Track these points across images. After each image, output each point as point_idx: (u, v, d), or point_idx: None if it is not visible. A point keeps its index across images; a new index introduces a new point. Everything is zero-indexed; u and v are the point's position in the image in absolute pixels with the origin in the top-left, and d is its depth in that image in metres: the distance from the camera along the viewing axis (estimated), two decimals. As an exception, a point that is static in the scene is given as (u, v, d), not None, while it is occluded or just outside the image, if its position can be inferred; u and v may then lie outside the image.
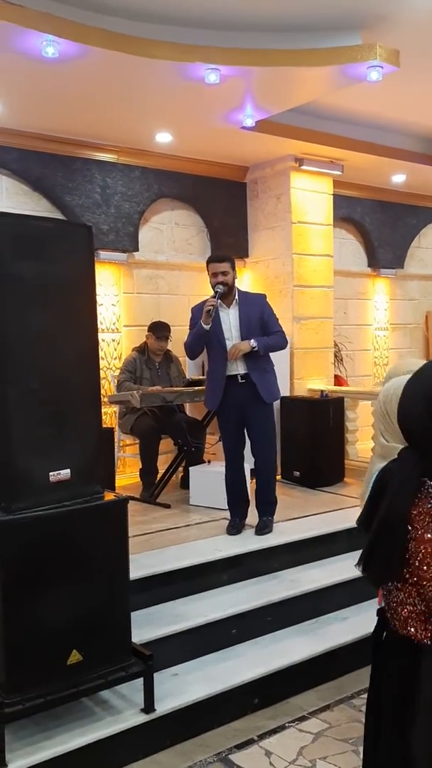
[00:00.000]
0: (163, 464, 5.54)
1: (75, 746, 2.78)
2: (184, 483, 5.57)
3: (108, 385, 5.79)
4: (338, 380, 7.02)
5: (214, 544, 4.15)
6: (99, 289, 5.61)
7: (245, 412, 4.38)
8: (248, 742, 3.11)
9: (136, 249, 6.10)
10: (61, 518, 2.75)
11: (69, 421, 2.84)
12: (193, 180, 6.39)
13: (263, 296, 4.67)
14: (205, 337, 4.32)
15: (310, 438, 5.78)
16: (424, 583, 1.59)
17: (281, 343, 4.45)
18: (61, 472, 2.80)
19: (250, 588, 3.95)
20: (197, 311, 4.42)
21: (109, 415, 5.87)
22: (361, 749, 3.00)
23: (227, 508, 4.59)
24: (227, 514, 4.82)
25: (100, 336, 5.50)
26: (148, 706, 3.01)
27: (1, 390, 2.69)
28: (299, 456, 5.85)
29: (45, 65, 4.06)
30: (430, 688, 1.65)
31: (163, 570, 3.77)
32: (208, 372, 4.52)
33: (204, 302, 4.38)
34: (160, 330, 5.58)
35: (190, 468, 5.26)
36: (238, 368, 4.33)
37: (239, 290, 4.52)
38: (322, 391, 6.12)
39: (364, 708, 3.33)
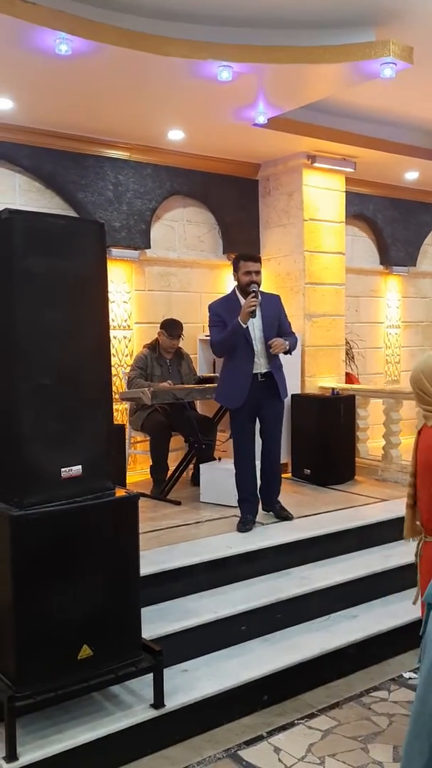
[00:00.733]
0: (173, 461, 5.55)
1: (85, 740, 2.80)
2: (195, 480, 5.58)
3: (119, 382, 5.81)
4: (349, 378, 7.00)
5: (224, 541, 4.16)
6: (111, 286, 5.64)
7: (260, 409, 4.44)
8: (257, 739, 3.12)
9: (148, 246, 6.11)
10: (72, 514, 2.77)
11: (80, 417, 2.85)
12: (205, 177, 6.39)
13: (279, 297, 4.73)
14: (240, 335, 4.32)
15: (321, 436, 5.76)
16: None
17: (296, 345, 4.62)
18: (73, 468, 2.82)
19: (261, 585, 3.96)
20: (221, 309, 4.45)
21: (120, 412, 5.88)
22: (369, 746, 3.03)
23: (237, 505, 4.59)
24: (238, 512, 4.82)
25: (112, 333, 5.51)
26: (158, 702, 3.03)
27: (13, 385, 2.71)
28: (310, 454, 5.84)
29: (58, 63, 4.07)
30: None
31: (173, 566, 3.78)
32: (228, 370, 4.47)
33: (222, 300, 4.53)
34: (173, 328, 5.58)
35: (201, 465, 5.27)
36: (262, 366, 4.40)
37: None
38: (333, 389, 6.10)
39: (373, 706, 3.38)
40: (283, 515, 4.61)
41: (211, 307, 4.54)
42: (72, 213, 5.71)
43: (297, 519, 4.61)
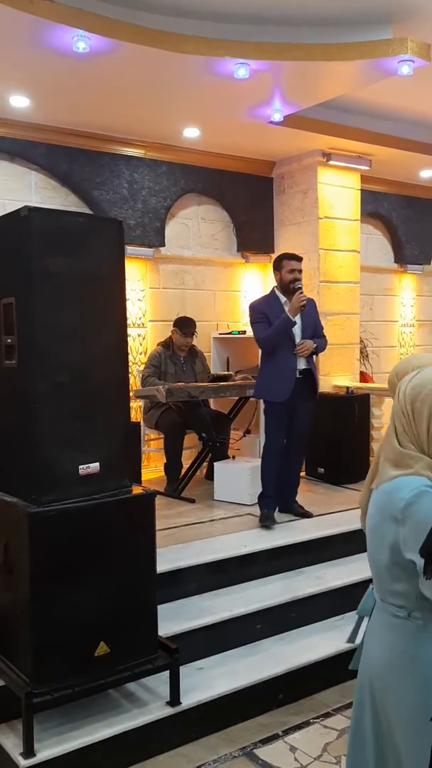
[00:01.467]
0: (187, 459, 5.55)
1: (102, 737, 2.81)
2: (209, 478, 5.58)
3: (133, 379, 5.82)
4: (363, 377, 6.97)
5: (239, 539, 4.16)
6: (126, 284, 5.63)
7: (295, 406, 4.53)
8: (273, 737, 3.12)
9: (163, 244, 6.11)
10: (90, 511, 2.78)
11: (98, 415, 2.86)
12: (219, 175, 6.38)
13: (314, 300, 4.88)
14: (289, 329, 4.47)
15: (335, 435, 5.75)
16: None
17: (325, 348, 4.77)
18: (91, 465, 2.82)
19: (276, 583, 3.95)
20: (264, 307, 4.61)
21: (135, 410, 5.89)
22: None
23: (257, 501, 4.60)
24: (252, 510, 4.84)
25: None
26: (174, 699, 3.03)
27: (31, 384, 2.72)
28: (324, 452, 5.83)
29: (75, 60, 4.07)
30: None
31: (188, 564, 3.79)
32: (272, 365, 4.55)
33: (263, 299, 4.74)
34: (185, 326, 5.58)
35: (215, 463, 5.27)
36: (301, 363, 4.55)
37: None
38: (347, 388, 6.08)
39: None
40: (302, 512, 4.64)
41: (254, 306, 4.70)
42: (87, 211, 5.72)
43: (311, 518, 4.60)
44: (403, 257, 7.72)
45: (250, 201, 6.61)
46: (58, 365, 2.73)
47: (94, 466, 2.84)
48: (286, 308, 4.53)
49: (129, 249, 5.82)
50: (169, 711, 3.01)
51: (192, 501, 5.09)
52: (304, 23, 4.20)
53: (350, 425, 5.82)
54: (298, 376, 4.53)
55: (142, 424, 5.70)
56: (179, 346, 5.61)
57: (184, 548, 4.02)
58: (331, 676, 3.54)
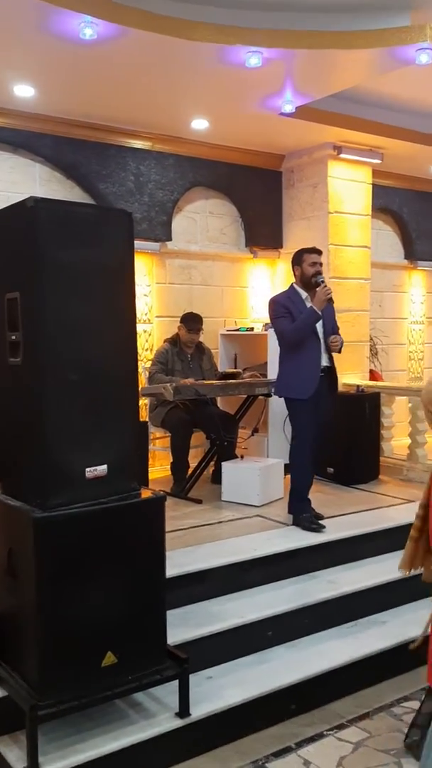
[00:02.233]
0: (192, 458, 5.44)
1: (110, 750, 2.69)
2: (215, 478, 5.47)
3: (139, 377, 5.70)
4: (373, 375, 6.85)
5: (249, 542, 4.04)
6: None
7: (318, 402, 4.40)
8: (285, 750, 3.00)
9: (169, 238, 5.98)
10: (97, 516, 2.66)
11: (107, 414, 2.73)
12: (227, 168, 6.25)
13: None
14: (315, 323, 4.35)
15: (345, 434, 5.62)
16: None
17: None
18: (98, 467, 2.70)
19: (287, 588, 3.84)
20: (287, 302, 4.47)
21: (141, 408, 5.77)
22: (403, 761, 2.90)
23: (290, 507, 4.47)
24: (260, 511, 4.74)
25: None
26: (183, 711, 2.91)
27: (37, 382, 2.60)
28: (333, 452, 5.68)
29: (81, 48, 3.96)
30: None
31: (197, 569, 3.67)
32: (296, 361, 4.39)
33: (284, 294, 4.57)
34: (191, 322, 5.47)
35: (223, 463, 5.15)
36: (324, 360, 4.44)
37: None
38: (358, 386, 5.96)
39: (405, 717, 3.24)
40: (314, 514, 4.47)
41: (276, 300, 4.53)
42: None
43: (323, 520, 4.47)
44: (413, 253, 7.60)
45: (259, 195, 6.48)
46: (65, 362, 2.60)
47: (102, 469, 2.72)
48: (308, 303, 4.41)
49: (135, 243, 5.66)
50: (179, 723, 2.89)
51: (199, 502, 4.98)
52: (318, 10, 4.08)
53: (361, 424, 5.69)
54: (320, 372, 4.40)
55: (148, 423, 5.58)
56: (186, 342, 5.49)
57: (192, 551, 3.91)
58: (345, 686, 3.43)
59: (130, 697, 2.96)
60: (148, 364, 5.60)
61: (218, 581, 3.72)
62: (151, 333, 6.06)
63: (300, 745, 3.04)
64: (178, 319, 5.60)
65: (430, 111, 5.87)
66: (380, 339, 7.27)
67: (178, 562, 3.67)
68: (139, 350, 5.94)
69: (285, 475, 5.09)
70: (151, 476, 5.64)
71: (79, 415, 2.66)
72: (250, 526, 4.41)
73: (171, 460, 5.42)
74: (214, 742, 3.00)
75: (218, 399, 5.68)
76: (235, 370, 5.80)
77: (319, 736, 3.11)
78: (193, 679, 3.07)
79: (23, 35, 3.86)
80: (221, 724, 3.02)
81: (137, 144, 5.74)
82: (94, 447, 2.70)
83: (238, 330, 6.23)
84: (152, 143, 5.79)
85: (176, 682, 2.92)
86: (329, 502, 4.96)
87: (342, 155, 6.08)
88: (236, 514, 4.67)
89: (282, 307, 4.43)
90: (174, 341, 5.52)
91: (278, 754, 2.98)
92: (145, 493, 2.88)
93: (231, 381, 5.39)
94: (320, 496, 5.14)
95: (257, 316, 6.64)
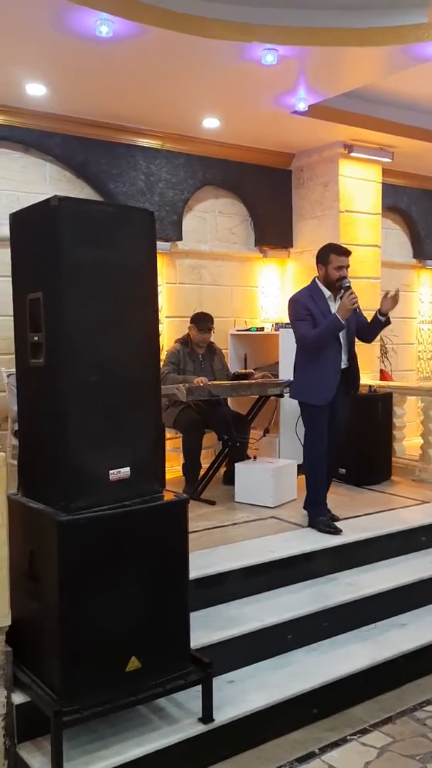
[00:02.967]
0: (202, 459, 5.40)
1: (134, 756, 2.65)
2: (227, 479, 5.43)
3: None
4: (383, 375, 6.82)
5: (266, 545, 4.00)
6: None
7: (335, 403, 4.29)
8: (309, 756, 2.97)
9: (180, 238, 5.95)
10: (121, 518, 2.62)
11: (128, 415, 2.70)
12: (237, 167, 6.22)
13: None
14: (338, 332, 4.18)
15: (358, 434, 5.56)
16: None
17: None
18: (121, 470, 2.67)
19: (305, 591, 3.80)
20: (309, 302, 4.24)
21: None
22: (429, 766, 2.86)
23: (306, 511, 4.40)
24: (275, 512, 4.70)
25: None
26: (207, 716, 2.87)
27: (60, 384, 2.56)
28: (345, 453, 5.62)
29: (96, 46, 3.93)
30: None
31: (215, 571, 3.63)
32: (317, 366, 4.23)
33: (305, 292, 4.32)
34: (202, 322, 5.43)
35: (236, 464, 5.11)
36: (344, 362, 4.30)
37: None
38: (370, 386, 5.92)
39: (428, 721, 3.21)
40: (330, 515, 4.42)
41: (297, 301, 4.29)
42: (103, 203, 5.56)
43: (339, 522, 4.44)
44: (422, 252, 7.56)
45: (269, 194, 6.45)
46: (88, 363, 2.57)
47: (125, 471, 2.68)
48: (331, 303, 4.25)
49: (147, 243, 5.66)
50: (202, 728, 2.85)
51: (212, 503, 4.94)
52: (334, 7, 4.04)
53: (373, 425, 5.66)
54: (339, 374, 4.27)
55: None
56: (197, 342, 5.46)
57: (208, 554, 3.86)
58: (367, 690, 3.39)
59: (153, 702, 2.92)
60: (160, 365, 5.56)
61: (236, 584, 3.68)
62: (162, 333, 6.01)
63: (324, 750, 3.00)
64: (188, 319, 5.56)
65: (442, 109, 5.84)
66: (390, 339, 7.23)
67: (196, 565, 3.61)
68: (150, 350, 5.90)
69: (298, 475, 5.06)
70: (162, 477, 5.61)
71: (102, 416, 2.62)
72: (265, 528, 4.37)
73: (182, 461, 5.38)
74: (237, 747, 2.96)
75: (228, 399, 5.65)
76: (248, 371, 5.76)
77: (342, 741, 3.07)
78: (215, 683, 3.02)
79: (39, 33, 3.83)
80: (245, 729, 2.98)
81: (147, 143, 5.70)
82: (117, 449, 2.67)
83: (248, 330, 6.20)
84: (162, 142, 5.76)
85: (197, 686, 2.89)
86: (343, 504, 4.92)
87: (353, 154, 6.05)
88: (251, 516, 4.63)
89: (303, 309, 4.22)
90: (185, 341, 5.49)
91: (302, 759, 2.94)
92: (168, 496, 2.84)
93: (243, 381, 5.36)
94: (334, 497, 5.08)
95: (267, 315, 6.61)
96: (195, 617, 3.36)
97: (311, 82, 4.66)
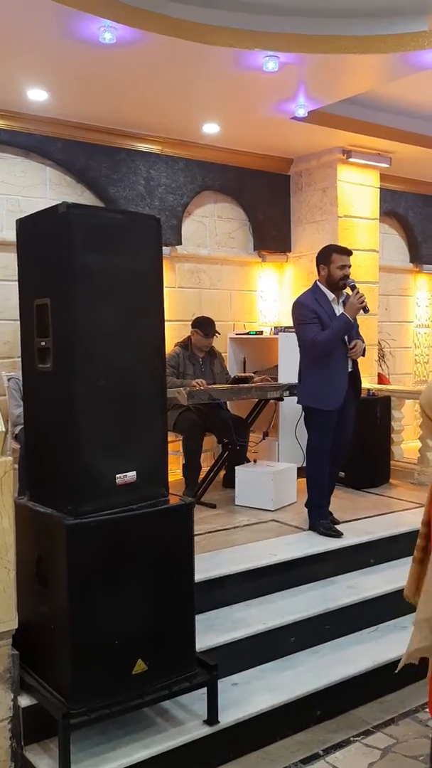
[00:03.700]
0: (202, 462, 5.41)
1: (141, 758, 2.67)
2: (227, 482, 5.45)
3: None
4: (380, 378, 6.86)
5: (268, 548, 4.03)
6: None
7: (343, 407, 4.28)
8: (314, 757, 2.99)
9: (179, 242, 5.98)
10: (129, 522, 2.65)
11: (135, 420, 2.73)
12: (236, 172, 6.25)
13: None
14: (348, 332, 4.20)
15: (357, 438, 5.56)
16: None
17: None
18: (128, 474, 2.69)
19: (307, 594, 3.82)
20: (315, 305, 4.21)
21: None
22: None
23: (308, 514, 4.40)
24: (275, 516, 4.72)
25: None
26: (212, 718, 2.90)
27: (68, 389, 2.58)
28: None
29: (98, 52, 3.95)
30: None
31: (218, 574, 3.65)
32: (325, 370, 4.19)
33: (310, 295, 4.29)
34: (207, 327, 5.44)
35: (237, 467, 5.13)
36: (348, 366, 4.30)
37: None
38: (368, 390, 5.95)
39: (430, 723, 3.23)
40: (331, 519, 4.44)
41: (303, 304, 4.23)
42: (103, 208, 5.58)
43: (341, 524, 4.47)
44: (419, 257, 7.61)
45: (267, 199, 6.48)
46: (96, 368, 2.59)
47: (131, 475, 2.71)
48: (335, 305, 4.24)
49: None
50: (207, 730, 2.87)
51: (213, 506, 4.96)
52: (335, 15, 4.07)
53: (372, 428, 5.69)
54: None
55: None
56: (199, 347, 5.48)
57: (211, 557, 3.89)
58: (369, 691, 3.42)
59: (158, 704, 2.94)
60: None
61: (238, 587, 3.71)
62: (161, 337, 6.04)
63: (328, 751, 3.03)
64: (188, 323, 5.58)
65: (440, 115, 5.89)
66: (387, 342, 7.27)
67: (198, 568, 3.58)
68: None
69: (298, 479, 5.08)
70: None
71: (109, 421, 2.64)
72: (266, 531, 4.39)
73: (182, 463, 5.39)
74: (242, 749, 2.99)
75: (227, 402, 5.67)
76: (248, 375, 5.78)
77: (346, 743, 3.10)
78: (220, 685, 3.05)
79: (42, 39, 3.85)
80: (249, 731, 3.01)
81: (147, 148, 5.73)
82: (124, 453, 2.69)
83: (247, 334, 6.22)
84: (162, 147, 5.78)
85: (201, 689, 2.91)
86: (344, 507, 4.95)
87: (351, 159, 6.09)
88: (251, 519, 4.65)
89: (310, 312, 4.16)
90: (185, 345, 5.51)
91: (307, 761, 2.97)
92: (174, 500, 2.86)
93: (243, 385, 5.38)
94: (334, 500, 5.10)
95: (266, 319, 6.64)
96: (200, 620, 3.37)
97: (312, 89, 4.70)
